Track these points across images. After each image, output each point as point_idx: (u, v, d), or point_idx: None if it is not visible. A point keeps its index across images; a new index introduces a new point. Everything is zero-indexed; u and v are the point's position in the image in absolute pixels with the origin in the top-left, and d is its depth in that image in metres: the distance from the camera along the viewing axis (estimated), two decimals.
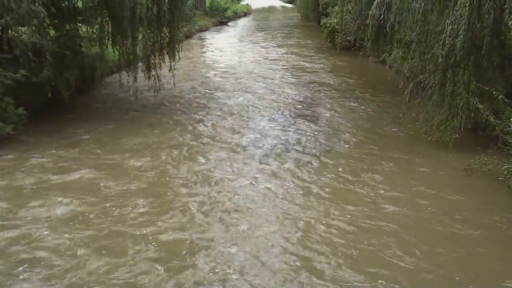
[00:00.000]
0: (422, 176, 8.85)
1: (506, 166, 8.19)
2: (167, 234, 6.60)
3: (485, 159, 8.63)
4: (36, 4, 8.98)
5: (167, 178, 8.47)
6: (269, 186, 8.34)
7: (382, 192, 8.17)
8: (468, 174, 8.65)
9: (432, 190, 8.26)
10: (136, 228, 6.72)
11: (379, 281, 5.70)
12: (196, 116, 12.16)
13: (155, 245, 6.32)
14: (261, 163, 9.35)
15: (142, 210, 7.26)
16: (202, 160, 9.39)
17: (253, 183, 8.43)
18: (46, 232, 6.53)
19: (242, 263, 6.02)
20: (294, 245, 6.47)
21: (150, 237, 6.49)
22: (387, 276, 5.80)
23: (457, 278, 5.85)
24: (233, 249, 6.34)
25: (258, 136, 10.91)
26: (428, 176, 8.82)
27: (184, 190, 7.98)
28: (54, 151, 9.40)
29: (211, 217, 7.17)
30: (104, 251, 6.15)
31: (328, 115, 12.80)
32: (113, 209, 7.26)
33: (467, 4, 8.44)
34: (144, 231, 6.63)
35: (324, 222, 7.07)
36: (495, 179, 8.37)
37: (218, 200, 7.69)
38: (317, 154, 9.85)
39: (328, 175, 8.84)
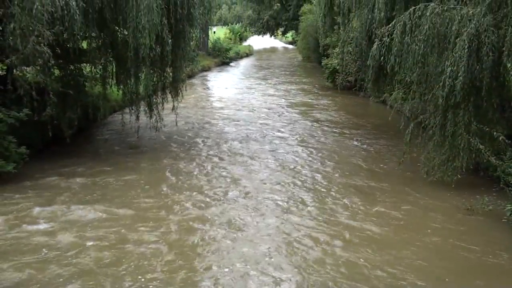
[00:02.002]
0: (420, 211, 8.86)
1: (509, 207, 8.13)
2: None
3: (486, 199, 8.60)
4: (42, 45, 9.11)
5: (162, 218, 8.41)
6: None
7: (373, 219, 8.45)
8: (470, 213, 8.59)
9: (430, 223, 8.33)
10: None
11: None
12: (195, 158, 11.99)
13: None
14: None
15: None
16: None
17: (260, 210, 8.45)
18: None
19: None
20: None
21: None
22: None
23: None
24: None
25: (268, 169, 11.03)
26: (427, 212, 8.81)
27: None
28: (52, 193, 9.32)
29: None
30: None
31: (329, 150, 12.93)
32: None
33: (466, 47, 8.55)
34: None
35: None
36: (497, 220, 8.27)
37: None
38: (316, 183, 10.32)
39: (324, 202, 9.27)
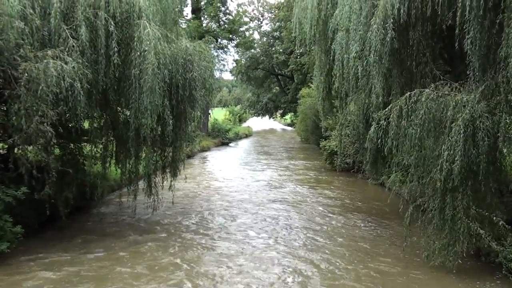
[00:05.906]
0: None
1: None
2: None
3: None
4: (45, 124, 9.26)
5: None
6: None
7: None
8: None
9: None
10: None
11: None
12: (193, 243, 11.63)
13: None
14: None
15: None
16: None
17: None
18: None
19: None
20: None
21: None
22: None
23: None
24: None
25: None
26: None
27: None
28: (41, 278, 9.02)
29: None
30: None
31: (327, 232, 12.77)
32: None
33: (461, 132, 8.70)
34: None
35: None
36: None
37: None
38: (315, 266, 10.02)
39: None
